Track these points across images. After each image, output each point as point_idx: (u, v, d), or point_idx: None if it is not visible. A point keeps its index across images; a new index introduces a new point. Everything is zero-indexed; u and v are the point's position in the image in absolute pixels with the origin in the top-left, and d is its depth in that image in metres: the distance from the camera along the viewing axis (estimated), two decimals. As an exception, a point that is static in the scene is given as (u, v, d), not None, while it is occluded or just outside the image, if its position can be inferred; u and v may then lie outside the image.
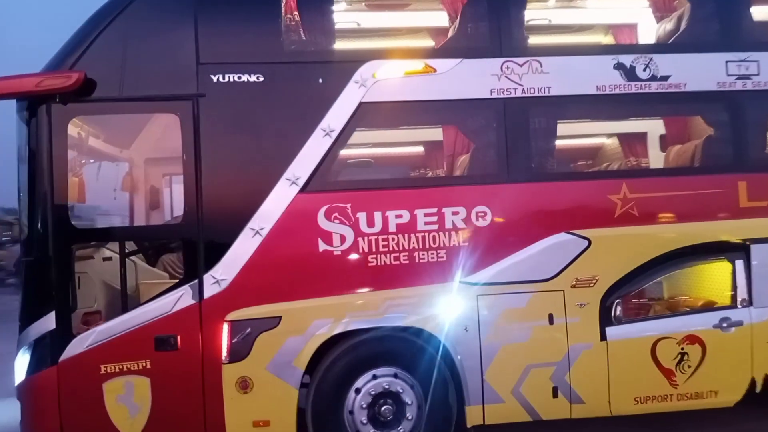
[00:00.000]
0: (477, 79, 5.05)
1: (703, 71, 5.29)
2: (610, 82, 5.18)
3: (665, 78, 5.24)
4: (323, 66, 5.00)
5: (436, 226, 4.93)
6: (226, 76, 4.82)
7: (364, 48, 5.48)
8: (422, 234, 4.91)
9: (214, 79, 4.80)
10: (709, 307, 5.30)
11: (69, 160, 4.76)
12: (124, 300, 4.82)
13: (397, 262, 4.88)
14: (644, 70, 5.22)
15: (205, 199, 4.77)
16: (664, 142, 6.13)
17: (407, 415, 4.87)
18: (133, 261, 5.58)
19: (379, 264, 4.86)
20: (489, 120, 5.11)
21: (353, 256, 4.85)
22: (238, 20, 4.95)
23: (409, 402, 4.88)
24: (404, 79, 5.04)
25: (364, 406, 4.85)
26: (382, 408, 4.86)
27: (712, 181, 5.26)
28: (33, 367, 4.67)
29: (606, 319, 5.04)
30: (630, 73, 5.20)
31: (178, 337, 4.69)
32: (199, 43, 4.82)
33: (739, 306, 5.20)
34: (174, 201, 5.42)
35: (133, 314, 4.74)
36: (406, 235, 4.89)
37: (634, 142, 6.30)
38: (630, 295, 5.21)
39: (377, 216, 4.88)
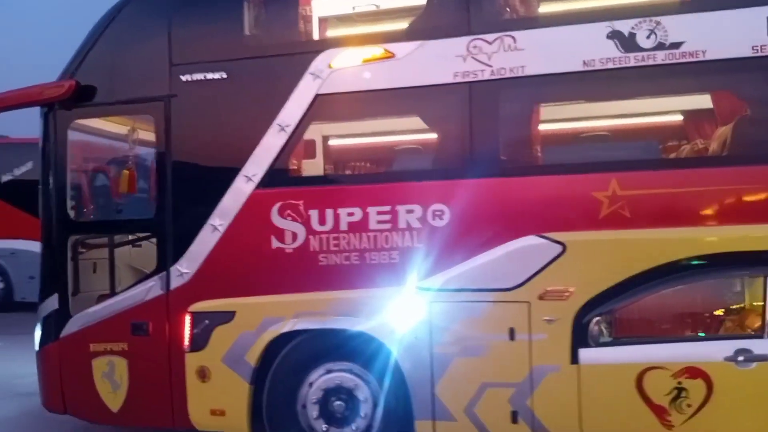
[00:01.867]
0: (439, 62, 4.55)
1: (731, 33, 4.14)
2: (602, 56, 4.31)
3: (676, 45, 4.21)
4: (280, 59, 4.90)
5: (388, 225, 4.60)
6: (194, 76, 4.97)
7: (319, 37, 5.22)
8: (374, 233, 4.62)
9: (184, 79, 4.99)
10: (720, 334, 4.20)
11: (70, 159, 5.33)
12: (112, 286, 5.29)
13: (348, 263, 4.66)
14: (648, 37, 4.25)
15: (173, 195, 5.01)
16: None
17: (361, 412, 4.69)
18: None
19: (329, 263, 4.69)
20: (451, 108, 4.58)
21: (304, 255, 4.73)
22: (204, 18, 5.06)
23: (363, 399, 4.68)
24: (362, 67, 4.72)
25: (315, 400, 4.76)
26: (335, 404, 4.74)
27: (744, 174, 4.14)
28: (43, 340, 5.39)
29: (580, 339, 4.28)
30: (628, 43, 4.28)
31: (150, 324, 5.04)
32: (172, 44, 5.04)
33: (766, 336, 4.04)
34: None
35: (116, 300, 5.19)
36: (357, 235, 4.64)
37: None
38: (613, 312, 4.32)
39: (329, 213, 4.70)
